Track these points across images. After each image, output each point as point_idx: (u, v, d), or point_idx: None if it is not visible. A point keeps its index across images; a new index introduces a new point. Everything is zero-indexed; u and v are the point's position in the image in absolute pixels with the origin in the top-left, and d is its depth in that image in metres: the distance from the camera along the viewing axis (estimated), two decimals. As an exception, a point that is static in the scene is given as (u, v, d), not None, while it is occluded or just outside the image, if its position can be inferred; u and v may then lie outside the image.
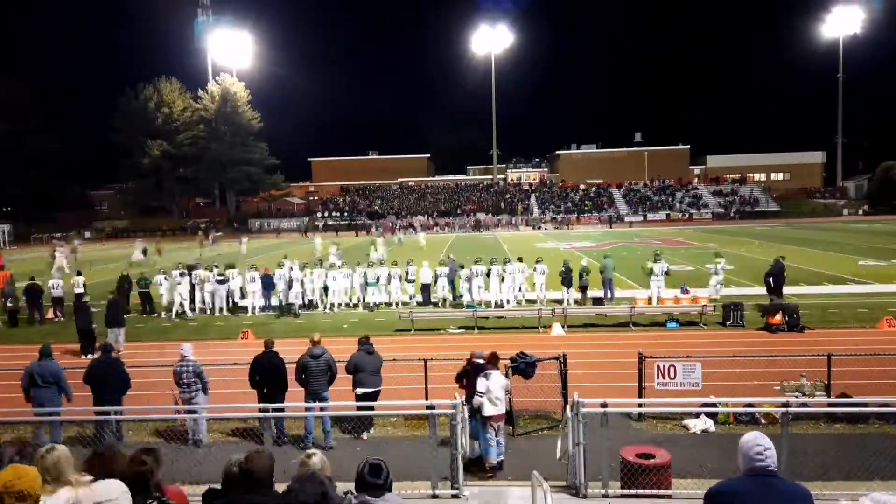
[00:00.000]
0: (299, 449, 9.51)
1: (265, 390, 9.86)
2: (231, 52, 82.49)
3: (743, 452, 3.48)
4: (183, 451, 9.16)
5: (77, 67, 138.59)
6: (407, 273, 21.45)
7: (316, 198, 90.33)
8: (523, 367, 10.04)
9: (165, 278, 21.24)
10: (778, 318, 16.13)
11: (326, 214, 77.65)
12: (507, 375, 9.27)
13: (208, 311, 21.29)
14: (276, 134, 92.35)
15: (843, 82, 79.20)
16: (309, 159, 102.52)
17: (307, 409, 9.77)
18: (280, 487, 3.74)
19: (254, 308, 20.89)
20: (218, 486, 3.98)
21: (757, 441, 3.44)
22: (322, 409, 9.66)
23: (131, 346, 16.68)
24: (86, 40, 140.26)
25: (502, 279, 20.40)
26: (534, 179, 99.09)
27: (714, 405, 9.90)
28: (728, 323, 16.89)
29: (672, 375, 9.76)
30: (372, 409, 9.77)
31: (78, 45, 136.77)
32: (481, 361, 8.88)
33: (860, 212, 69.33)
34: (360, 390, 10.04)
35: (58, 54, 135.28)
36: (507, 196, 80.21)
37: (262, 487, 3.56)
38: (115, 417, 9.17)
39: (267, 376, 9.85)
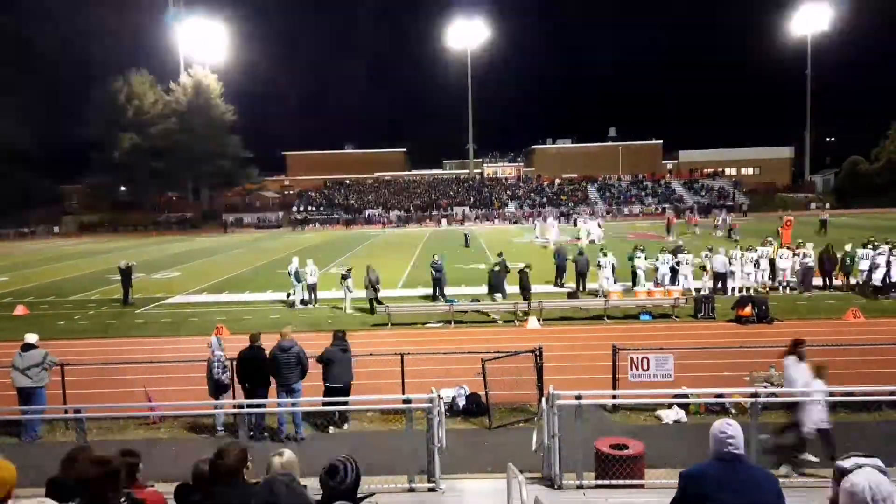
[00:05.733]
0: (275, 441, 9.52)
1: (248, 385, 9.82)
2: (203, 45, 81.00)
3: (712, 437, 3.62)
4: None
5: (45, 59, 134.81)
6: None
7: (291, 192, 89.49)
8: None
9: None
10: (748, 310, 16.45)
11: (303, 208, 77.04)
12: None
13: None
14: (249, 127, 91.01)
15: (811, 79, 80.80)
16: (283, 153, 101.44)
17: (279, 404, 9.77)
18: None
19: None
20: (190, 482, 3.96)
21: (723, 427, 3.58)
22: (293, 403, 9.66)
23: (111, 342, 16.41)
24: (55, 31, 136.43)
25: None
26: (510, 174, 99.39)
27: (686, 396, 10.09)
28: (699, 315, 17.17)
29: (645, 367, 9.91)
30: (345, 403, 9.78)
31: (47, 36, 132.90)
32: None
33: (826, 206, 70.85)
34: (329, 384, 10.07)
35: (26, 46, 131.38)
36: (484, 190, 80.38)
37: (231, 480, 3.52)
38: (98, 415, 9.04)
39: (250, 371, 9.80)
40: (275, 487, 3.16)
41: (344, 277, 19.69)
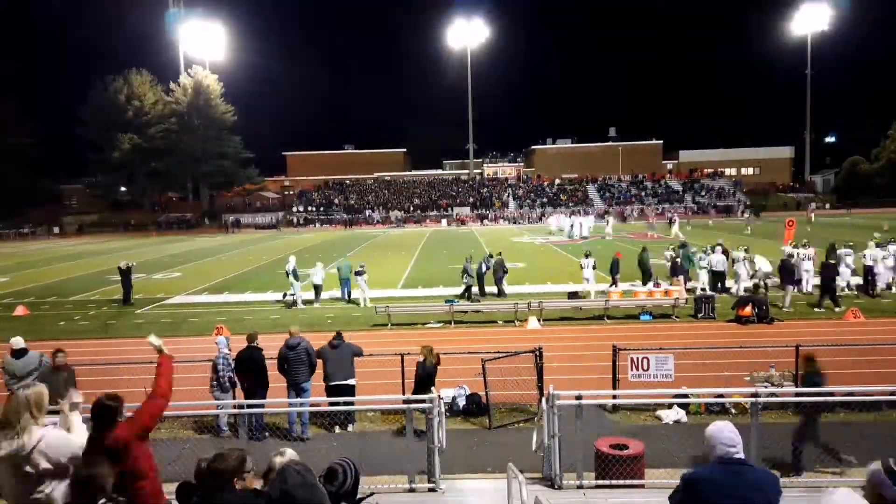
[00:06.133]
0: (282, 440, 9.54)
1: (246, 385, 9.83)
2: (204, 45, 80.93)
3: (710, 442, 3.58)
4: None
5: (45, 59, 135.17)
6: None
7: (291, 192, 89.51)
8: None
9: None
10: (748, 310, 16.44)
11: (303, 209, 77.04)
12: None
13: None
14: (250, 127, 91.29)
15: (811, 79, 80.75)
16: (283, 153, 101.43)
17: (290, 404, 9.79)
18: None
19: None
20: (192, 481, 3.95)
21: (723, 430, 3.55)
22: (301, 403, 9.68)
23: (111, 342, 16.41)
24: (55, 31, 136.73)
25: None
26: (510, 174, 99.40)
27: (686, 396, 10.09)
28: (700, 315, 17.17)
29: (645, 367, 9.91)
30: (351, 403, 9.78)
31: (46, 36, 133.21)
32: None
33: (826, 206, 70.91)
34: (326, 384, 10.09)
35: (25, 45, 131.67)
36: (484, 191, 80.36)
37: (225, 485, 3.50)
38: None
39: (248, 371, 9.80)
40: (288, 477, 3.11)
41: (358, 273, 20.31)
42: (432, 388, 9.57)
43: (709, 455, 3.58)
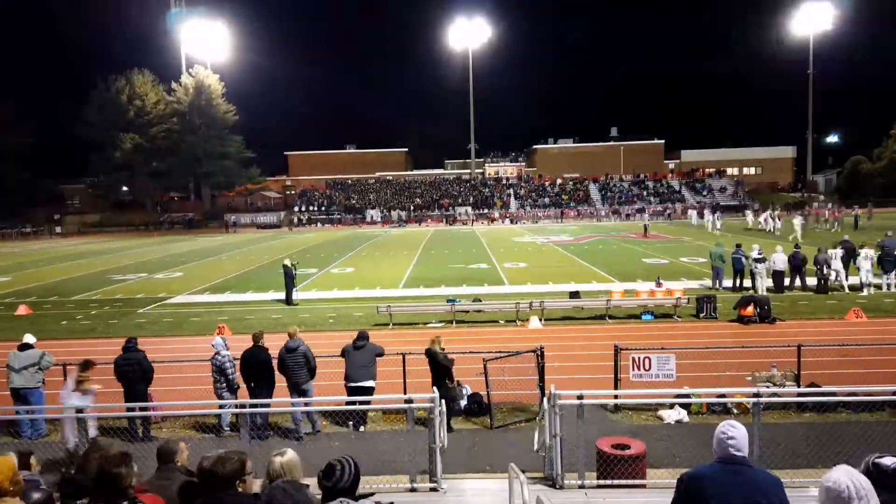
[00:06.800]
0: (285, 439, 9.56)
1: (252, 385, 9.84)
2: (205, 45, 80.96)
3: (715, 440, 3.57)
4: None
5: (47, 59, 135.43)
6: None
7: (293, 192, 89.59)
8: None
9: None
10: (750, 310, 16.42)
11: (305, 209, 77.06)
12: None
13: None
14: (251, 127, 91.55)
15: (814, 78, 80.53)
16: (285, 153, 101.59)
17: (293, 404, 9.83)
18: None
19: None
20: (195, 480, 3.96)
21: (725, 429, 3.53)
22: (305, 403, 9.71)
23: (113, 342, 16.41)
24: (55, 31, 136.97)
25: None
26: (511, 174, 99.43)
27: (688, 396, 10.07)
28: (701, 315, 17.15)
29: (647, 367, 9.90)
30: (353, 402, 9.79)
31: (48, 35, 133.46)
32: None
33: (828, 205, 70.74)
34: (348, 384, 10.13)
35: (25, 45, 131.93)
36: (486, 190, 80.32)
37: (226, 489, 3.52)
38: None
39: (254, 371, 9.81)
40: (275, 499, 3.17)
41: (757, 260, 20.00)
42: (451, 373, 9.95)
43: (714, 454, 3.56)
